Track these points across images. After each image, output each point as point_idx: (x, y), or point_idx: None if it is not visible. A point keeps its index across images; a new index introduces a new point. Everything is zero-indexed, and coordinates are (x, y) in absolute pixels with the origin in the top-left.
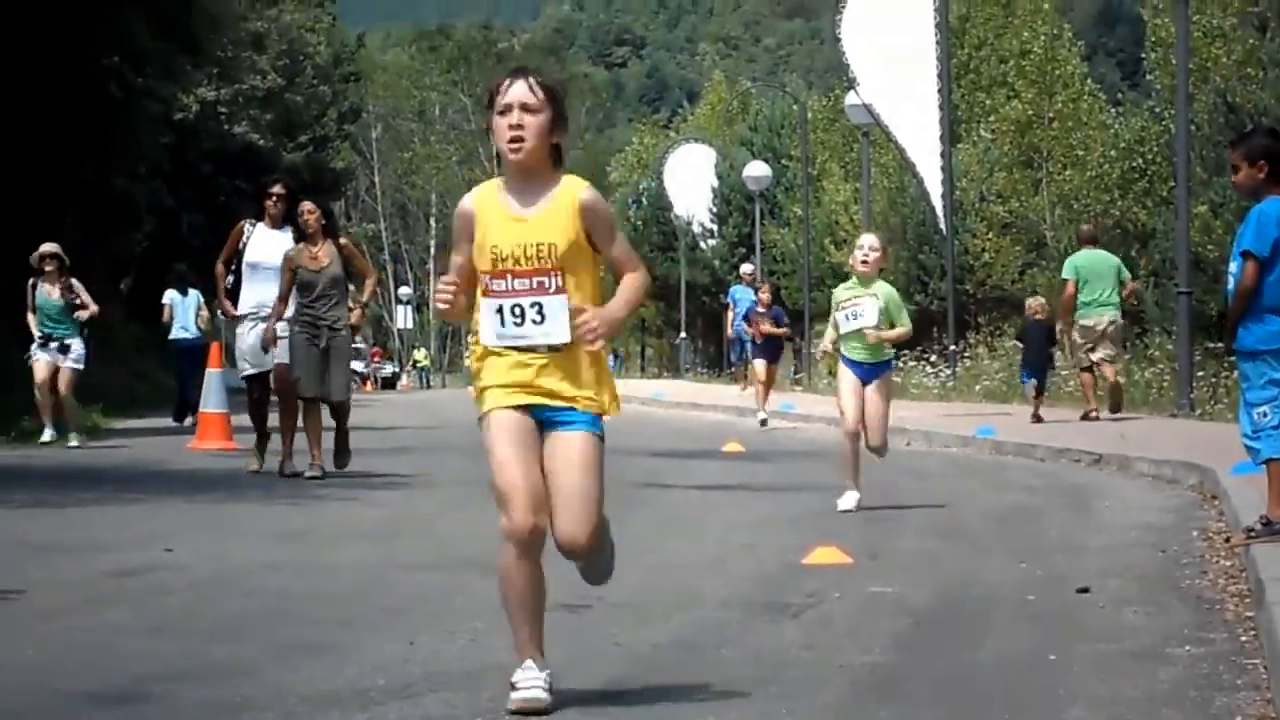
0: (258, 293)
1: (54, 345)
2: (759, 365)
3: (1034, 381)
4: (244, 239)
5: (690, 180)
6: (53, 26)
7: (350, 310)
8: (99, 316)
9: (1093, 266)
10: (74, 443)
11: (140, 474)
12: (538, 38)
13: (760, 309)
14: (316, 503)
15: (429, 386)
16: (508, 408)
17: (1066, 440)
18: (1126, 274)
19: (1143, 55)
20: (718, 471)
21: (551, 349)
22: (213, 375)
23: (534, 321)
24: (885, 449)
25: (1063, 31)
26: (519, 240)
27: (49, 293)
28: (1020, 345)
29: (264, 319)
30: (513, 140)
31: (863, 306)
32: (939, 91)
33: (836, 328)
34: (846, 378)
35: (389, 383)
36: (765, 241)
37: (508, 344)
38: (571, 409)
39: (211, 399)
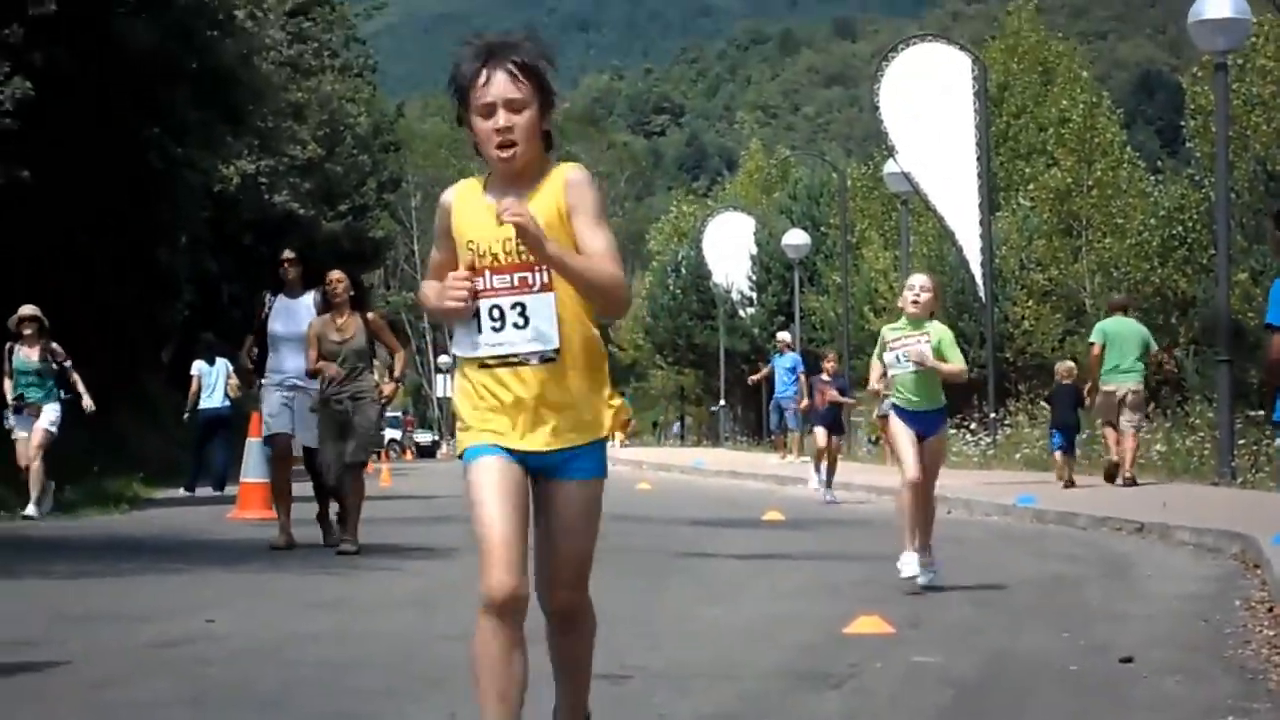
0: (281, 362)
1: (26, 412)
2: (820, 434)
3: (1062, 450)
4: (265, 311)
5: (729, 248)
6: (94, 98)
7: (380, 384)
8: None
9: (1119, 333)
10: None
11: (181, 544)
12: (577, 106)
13: (826, 376)
14: (356, 572)
15: None
16: (493, 454)
17: (1107, 508)
18: (1154, 344)
19: (1182, 123)
20: (758, 540)
21: (543, 360)
22: (253, 444)
23: (515, 325)
24: (930, 548)
25: (1102, 100)
26: (498, 233)
27: (27, 355)
28: (1048, 406)
29: (288, 387)
30: (502, 146)
31: (919, 346)
32: (978, 159)
33: (884, 371)
34: (901, 428)
35: (428, 451)
36: (804, 309)
37: (488, 354)
38: (573, 453)
39: (252, 468)
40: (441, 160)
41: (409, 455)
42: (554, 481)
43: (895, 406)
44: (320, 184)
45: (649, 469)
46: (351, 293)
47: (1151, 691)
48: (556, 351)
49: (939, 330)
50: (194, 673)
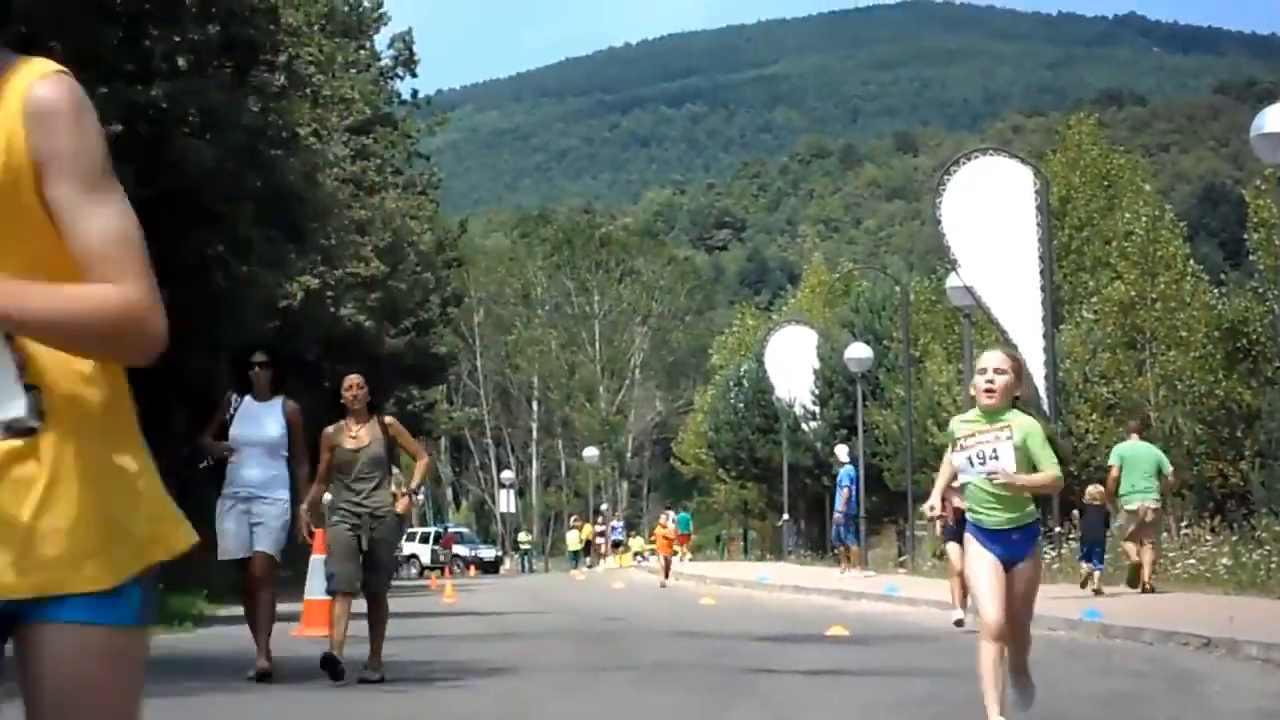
0: (239, 471)
1: None
2: (953, 551)
3: (1092, 564)
4: (230, 412)
5: (792, 362)
6: (158, 218)
7: (396, 497)
8: None
9: (1135, 455)
10: None
11: (246, 662)
12: (639, 221)
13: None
14: (421, 689)
15: (531, 570)
16: None
17: (1174, 623)
18: (1168, 467)
19: (1245, 236)
20: (822, 656)
21: (11, 431)
22: (317, 561)
23: None
24: (1027, 669)
25: (1164, 212)
26: None
27: None
28: (1077, 524)
29: (244, 499)
30: None
31: (995, 446)
32: (1041, 273)
33: (954, 475)
34: (979, 555)
35: (492, 566)
36: (867, 423)
37: None
38: (58, 600)
39: (317, 586)
40: (503, 276)
41: (473, 571)
42: (33, 626)
43: (973, 527)
44: (384, 300)
45: (712, 583)
46: (369, 398)
47: None
48: (31, 429)
49: (1024, 425)
50: None
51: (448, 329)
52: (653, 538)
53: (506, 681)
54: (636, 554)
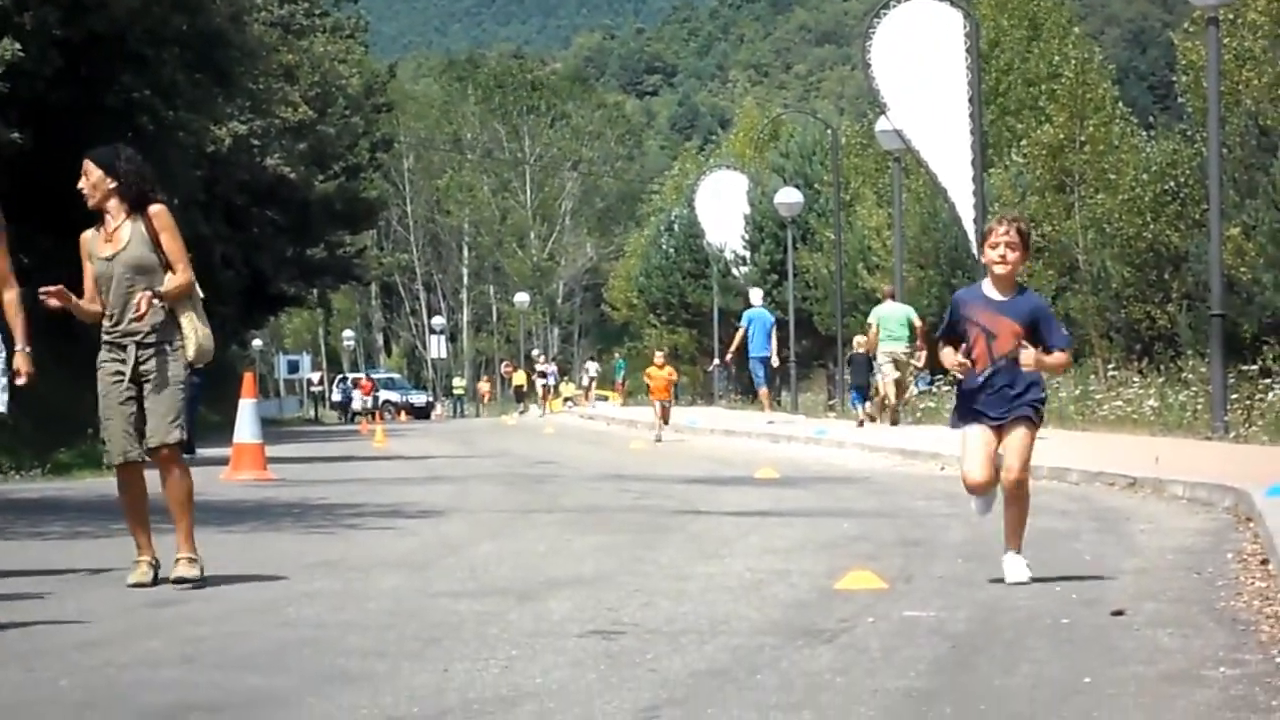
0: None
1: None
2: None
3: (863, 404)
4: None
5: (722, 207)
6: (84, 61)
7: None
8: None
9: (890, 315)
10: None
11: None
12: (569, 66)
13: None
14: (350, 532)
15: (463, 415)
16: None
17: (1100, 464)
18: (916, 320)
19: (1174, 79)
20: (751, 497)
21: None
22: (246, 405)
23: None
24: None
25: (1093, 55)
26: None
27: None
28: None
29: None
30: None
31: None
32: (970, 116)
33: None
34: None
35: (423, 412)
36: (798, 267)
37: None
38: None
39: (246, 429)
40: (434, 121)
41: (404, 416)
42: None
43: None
44: (312, 145)
45: (643, 428)
46: (112, 187)
47: (1143, 644)
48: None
49: None
50: (186, 633)
51: (377, 174)
52: (643, 380)
53: (436, 523)
54: (567, 399)
